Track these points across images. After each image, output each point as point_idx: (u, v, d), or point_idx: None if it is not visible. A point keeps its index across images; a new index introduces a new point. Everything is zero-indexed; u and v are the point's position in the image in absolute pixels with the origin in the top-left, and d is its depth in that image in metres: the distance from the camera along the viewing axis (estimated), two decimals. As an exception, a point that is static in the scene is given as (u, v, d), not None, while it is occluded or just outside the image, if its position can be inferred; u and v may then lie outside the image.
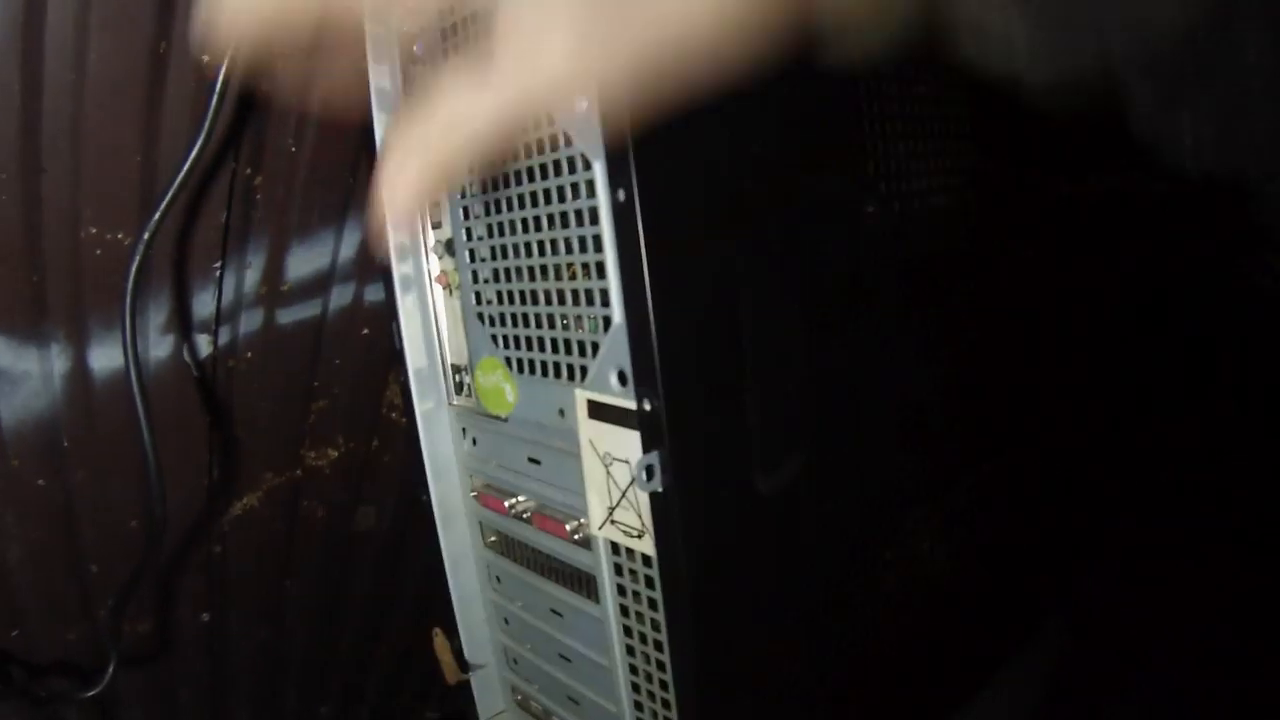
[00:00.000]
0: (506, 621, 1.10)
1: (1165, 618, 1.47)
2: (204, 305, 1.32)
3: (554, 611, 1.00)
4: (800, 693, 0.91)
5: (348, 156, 1.29)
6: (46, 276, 1.19)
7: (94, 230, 1.18)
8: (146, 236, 1.00)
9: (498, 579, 1.08)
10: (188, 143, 1.03)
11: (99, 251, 1.19)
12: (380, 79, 1.00)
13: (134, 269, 1.00)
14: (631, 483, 0.76)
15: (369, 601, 1.86)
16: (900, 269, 0.95)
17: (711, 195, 0.75)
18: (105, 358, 1.29)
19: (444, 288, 1.03)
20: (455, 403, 1.05)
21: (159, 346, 1.31)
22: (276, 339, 1.39)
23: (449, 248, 0.98)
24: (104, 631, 1.35)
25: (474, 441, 1.04)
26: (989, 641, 1.23)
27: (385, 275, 1.04)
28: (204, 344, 1.34)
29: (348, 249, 1.37)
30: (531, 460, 0.95)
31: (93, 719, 1.67)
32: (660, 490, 0.73)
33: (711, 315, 0.76)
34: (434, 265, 1.03)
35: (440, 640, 1.10)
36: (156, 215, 1.01)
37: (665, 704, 0.84)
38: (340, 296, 1.40)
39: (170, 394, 1.34)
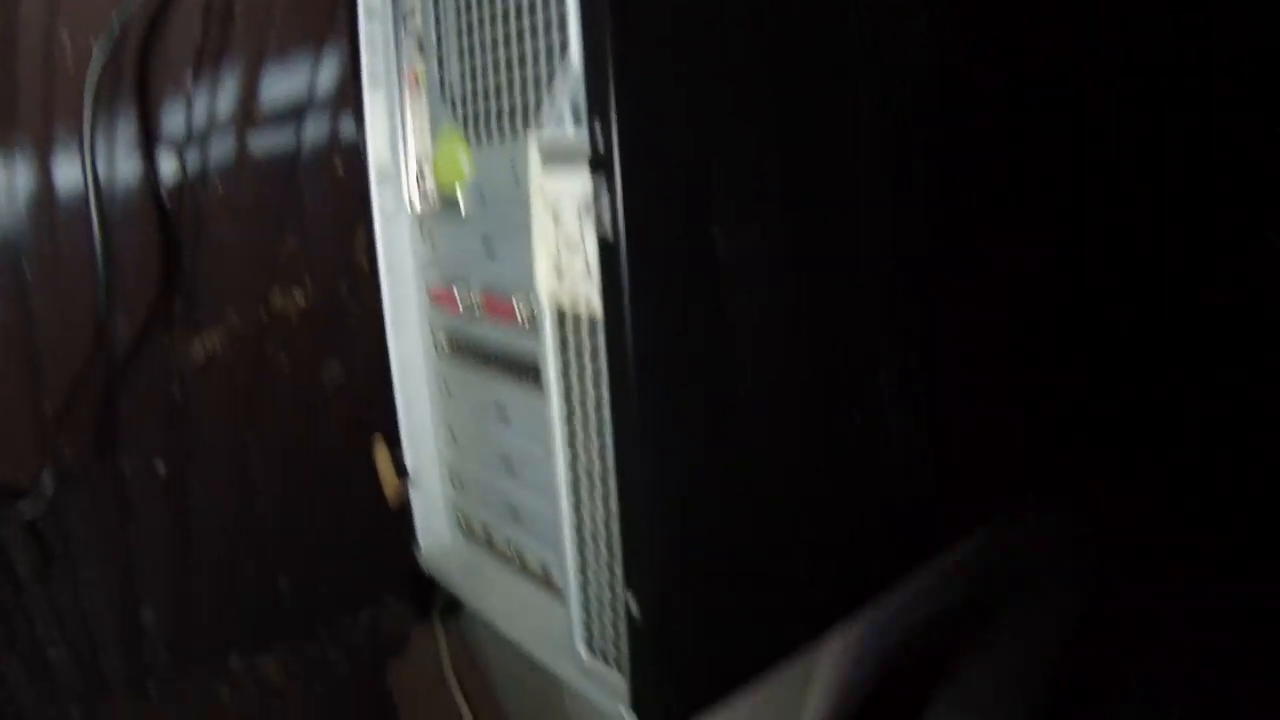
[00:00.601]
0: (453, 435, 1.07)
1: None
2: (175, 124, 1.29)
3: (500, 413, 0.98)
4: (749, 492, 0.87)
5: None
6: (17, 82, 1.16)
7: (68, 36, 1.15)
8: (114, 32, 0.96)
9: (446, 386, 1.06)
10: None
11: (72, 60, 1.16)
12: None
13: (98, 71, 0.97)
14: (580, 236, 0.72)
15: (334, 468, 1.82)
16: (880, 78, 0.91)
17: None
18: (72, 172, 1.24)
19: (412, 89, 0.99)
20: (416, 208, 1.02)
21: (127, 166, 1.28)
22: (248, 167, 1.36)
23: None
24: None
25: (432, 245, 1.02)
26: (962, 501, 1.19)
27: (354, 66, 1.00)
28: (173, 166, 1.29)
29: (326, 79, 1.34)
30: (485, 248, 0.93)
31: (52, 564, 1.64)
32: (609, 235, 0.69)
33: (675, 53, 0.72)
34: (405, 64, 0.99)
35: (381, 449, 1.07)
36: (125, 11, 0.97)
37: (604, 498, 0.81)
38: (315, 129, 1.37)
39: (136, 217, 1.32)
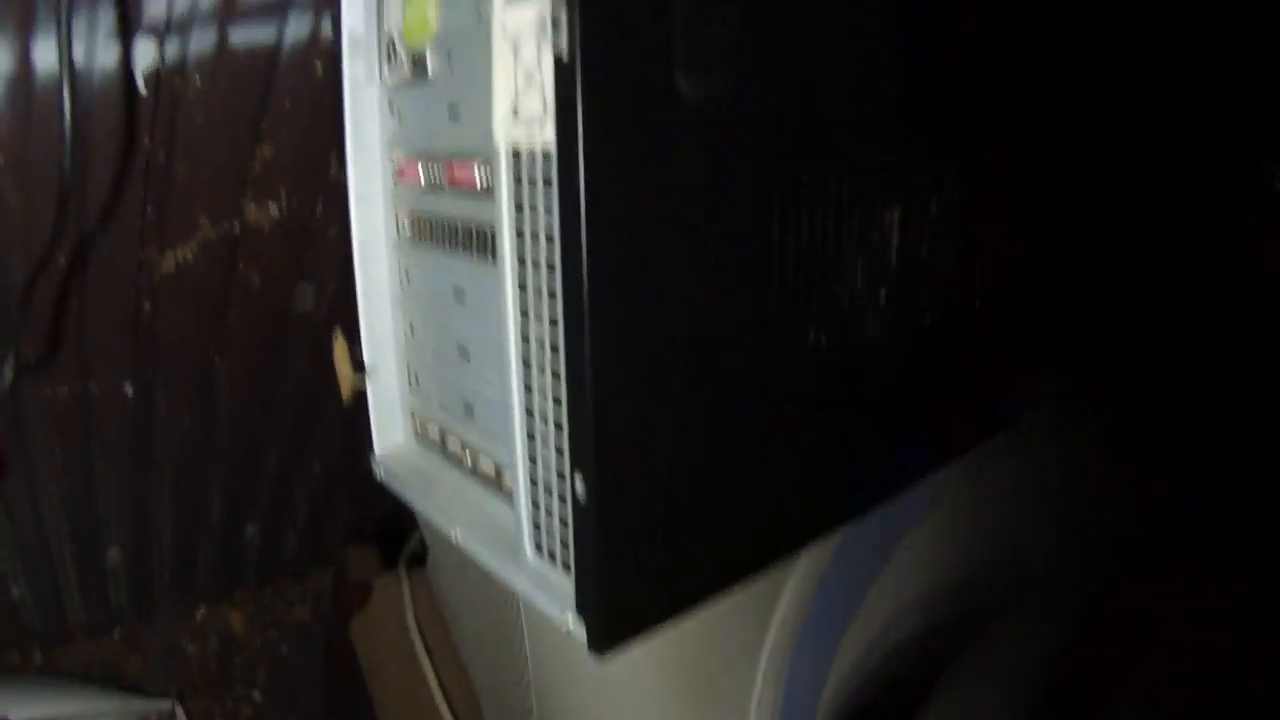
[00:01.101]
0: (412, 329, 1.04)
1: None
2: (157, 7, 1.25)
3: (457, 296, 0.94)
4: (707, 372, 0.81)
5: None
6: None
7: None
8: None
9: (407, 275, 1.02)
10: None
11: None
12: None
13: None
14: (540, 57, 0.67)
15: (302, 402, 1.80)
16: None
17: None
18: (51, 56, 1.20)
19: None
20: (386, 78, 0.98)
21: (105, 52, 1.25)
22: (227, 62, 1.33)
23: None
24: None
25: (399, 116, 0.99)
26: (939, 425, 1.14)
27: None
28: (152, 53, 1.26)
29: (312, -33, 1.30)
30: (452, 114, 0.90)
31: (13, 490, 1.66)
32: (564, 53, 0.64)
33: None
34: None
35: (340, 345, 1.03)
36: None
37: (555, 374, 0.76)
38: (297, 26, 1.33)
39: (112, 109, 1.29)
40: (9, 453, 1.64)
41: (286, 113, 1.39)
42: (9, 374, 1.20)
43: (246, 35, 1.32)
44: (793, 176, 0.83)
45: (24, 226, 1.33)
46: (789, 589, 1.09)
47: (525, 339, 0.81)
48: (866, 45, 0.89)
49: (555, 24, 0.66)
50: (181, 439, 1.79)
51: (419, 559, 1.84)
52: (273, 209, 1.50)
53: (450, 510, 1.00)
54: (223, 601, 2.31)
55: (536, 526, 0.86)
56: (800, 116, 0.83)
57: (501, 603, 1.21)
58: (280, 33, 1.32)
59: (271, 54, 1.33)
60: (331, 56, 1.19)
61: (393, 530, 2.07)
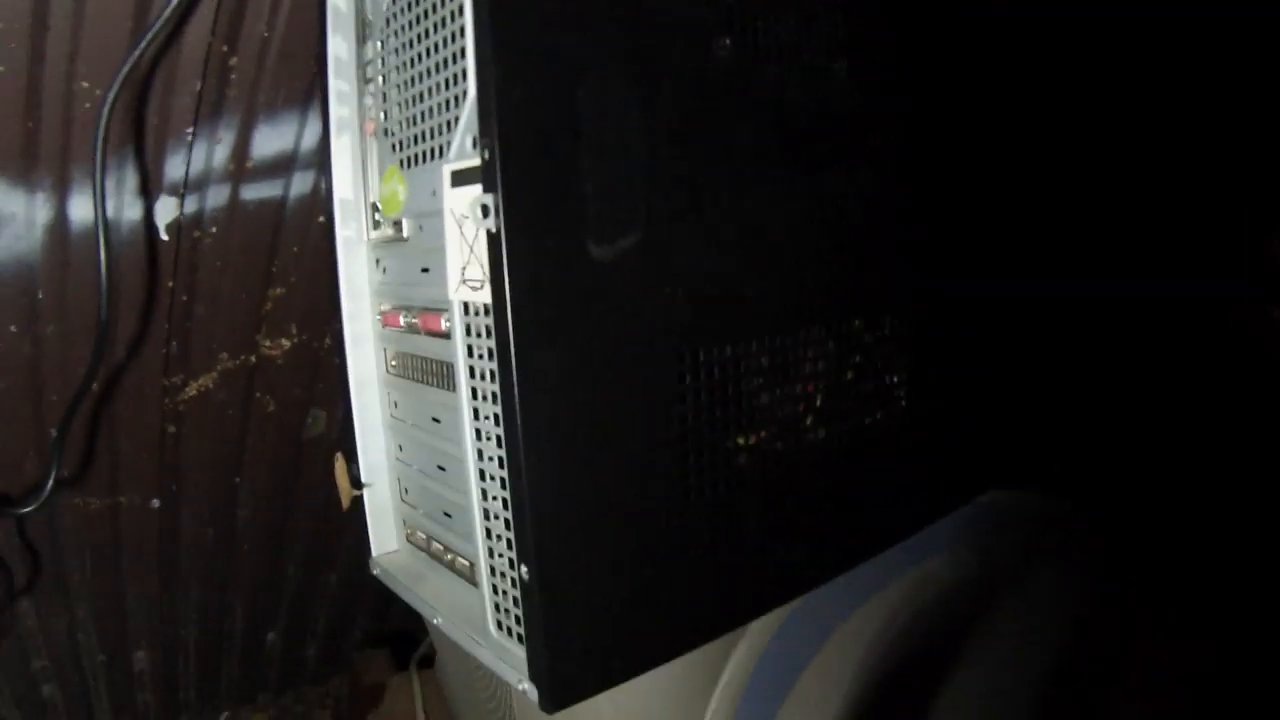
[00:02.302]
0: (400, 449, 1.23)
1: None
2: (177, 171, 1.48)
3: (433, 419, 1.14)
4: (636, 488, 1.02)
5: (313, 48, 1.42)
6: (41, 124, 1.35)
7: (85, 85, 1.34)
8: (123, 73, 1.15)
9: (395, 404, 1.22)
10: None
11: (89, 105, 1.35)
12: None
13: (106, 112, 1.16)
14: (478, 232, 0.91)
15: (318, 518, 2.00)
16: (756, 115, 1.09)
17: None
18: (84, 210, 1.45)
19: (371, 134, 1.19)
20: (372, 237, 1.20)
21: (132, 208, 1.48)
22: (241, 215, 1.56)
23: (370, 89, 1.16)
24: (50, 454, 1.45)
25: (384, 270, 1.19)
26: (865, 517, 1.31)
27: (324, 117, 1.20)
28: (173, 209, 1.50)
29: (310, 137, 1.54)
30: (423, 270, 1.10)
31: (47, 595, 1.81)
32: (493, 229, 0.88)
33: (550, 94, 0.91)
34: (364, 113, 1.19)
35: (340, 464, 1.24)
36: (128, 62, 1.17)
37: (500, 465, 0.98)
38: (301, 183, 1.57)
39: (138, 256, 1.51)
40: (44, 559, 1.85)
41: (295, 257, 1.63)
42: (46, 493, 1.41)
43: (256, 192, 1.55)
44: (699, 318, 1.05)
45: (61, 356, 1.55)
46: (734, 661, 1.27)
47: (480, 455, 1.03)
48: (760, 214, 1.12)
49: (484, 210, 0.89)
50: (205, 551, 2.00)
51: (429, 661, 2.04)
52: (285, 342, 1.73)
53: (434, 601, 1.19)
54: (245, 705, 2.46)
55: (497, 608, 1.06)
56: (700, 270, 1.05)
57: (495, 690, 1.41)
58: (286, 189, 1.56)
59: (279, 207, 1.57)
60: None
61: (405, 635, 2.28)
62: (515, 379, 0.90)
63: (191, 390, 1.68)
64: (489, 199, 0.88)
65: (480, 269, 0.91)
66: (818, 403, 1.19)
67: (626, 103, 0.96)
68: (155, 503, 1.81)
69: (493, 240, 0.89)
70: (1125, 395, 1.68)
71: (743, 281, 1.08)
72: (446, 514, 1.17)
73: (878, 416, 1.28)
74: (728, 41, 1.03)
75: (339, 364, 1.25)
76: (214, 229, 1.53)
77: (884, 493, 1.31)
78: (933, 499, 1.40)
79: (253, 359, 1.69)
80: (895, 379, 1.27)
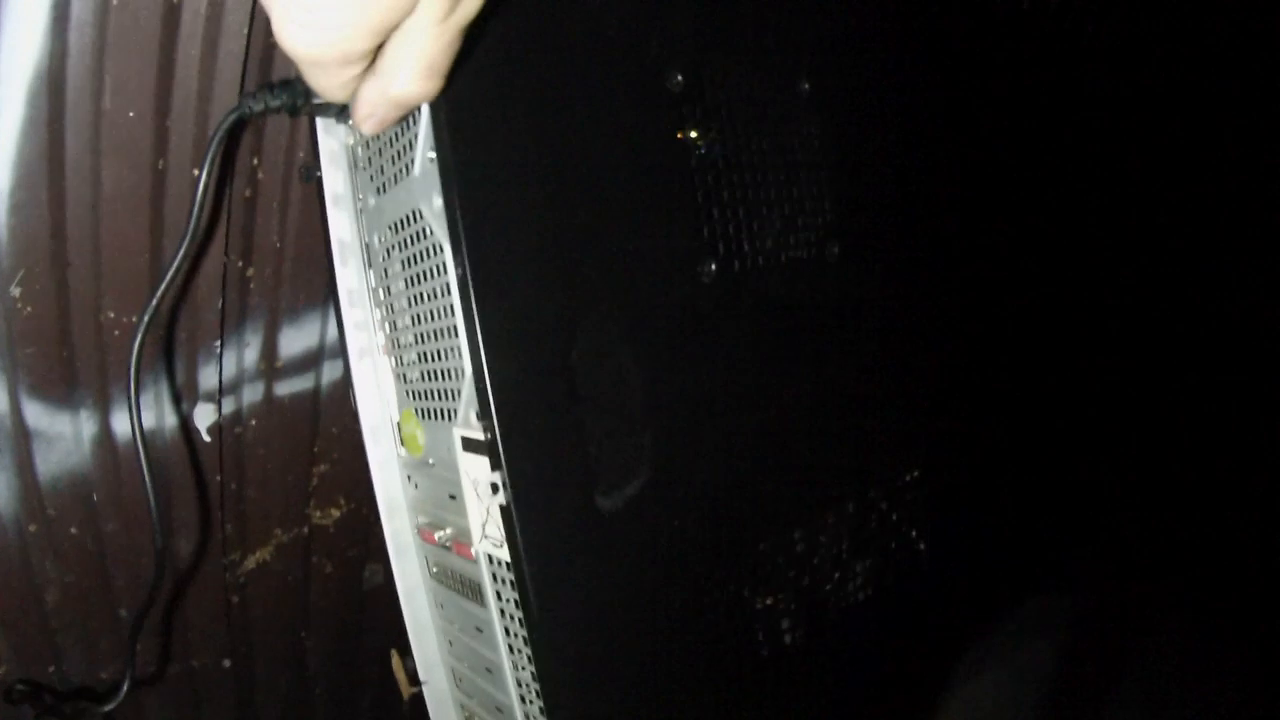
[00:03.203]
0: (450, 644, 1.31)
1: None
2: (210, 380, 1.58)
3: (476, 629, 1.21)
4: (667, 700, 1.11)
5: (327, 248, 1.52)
6: (75, 353, 1.45)
7: (112, 314, 1.44)
8: (148, 314, 1.24)
9: (441, 605, 1.30)
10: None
11: (118, 332, 1.45)
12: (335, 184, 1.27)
13: (137, 343, 1.23)
14: (490, 501, 0.99)
15: (385, 662, 2.08)
16: (750, 322, 1.15)
17: (541, 267, 0.99)
18: (126, 424, 1.54)
19: (388, 356, 1.27)
20: (401, 453, 1.28)
21: (171, 415, 1.57)
22: (277, 409, 1.65)
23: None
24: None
25: (415, 485, 1.27)
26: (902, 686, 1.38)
27: (341, 341, 1.28)
28: (211, 413, 1.59)
29: (334, 331, 1.63)
30: (450, 496, 1.17)
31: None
32: (504, 504, 0.96)
33: (543, 365, 0.98)
34: (380, 337, 1.27)
35: (396, 660, 1.33)
36: (155, 298, 1.25)
37: (538, 694, 1.06)
38: (332, 371, 1.66)
39: (184, 457, 1.60)
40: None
41: (334, 437, 1.72)
42: (123, 693, 1.50)
43: (289, 386, 1.65)
44: (712, 542, 1.13)
45: (122, 546, 1.65)
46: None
47: (516, 674, 1.12)
48: (763, 420, 1.19)
49: (494, 488, 0.97)
50: (278, 701, 2.10)
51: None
52: (335, 512, 1.83)
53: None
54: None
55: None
56: (708, 495, 1.13)
57: None
58: (318, 378, 1.66)
59: (314, 395, 1.66)
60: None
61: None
62: (539, 624, 1.00)
63: (250, 563, 1.77)
64: (496, 477, 0.95)
65: (498, 529, 0.98)
66: (836, 569, 1.26)
67: (619, 354, 1.03)
68: (227, 663, 1.89)
69: (505, 511, 0.97)
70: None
71: (752, 492, 1.16)
72: (498, 709, 1.24)
73: (899, 566, 1.33)
74: (712, 267, 1.09)
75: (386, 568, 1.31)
76: (253, 423, 1.62)
77: (913, 639, 1.37)
78: (964, 629, 1.43)
79: (305, 530, 1.78)
80: (914, 531, 1.31)
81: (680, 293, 1.10)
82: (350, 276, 1.28)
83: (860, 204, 1.29)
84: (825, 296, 1.25)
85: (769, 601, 1.17)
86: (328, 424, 1.69)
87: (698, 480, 1.11)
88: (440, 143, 0.96)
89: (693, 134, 1.11)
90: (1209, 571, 1.60)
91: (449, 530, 1.20)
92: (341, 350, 1.30)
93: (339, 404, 1.67)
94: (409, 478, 1.30)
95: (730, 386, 1.14)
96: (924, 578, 1.37)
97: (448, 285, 1.01)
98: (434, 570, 1.29)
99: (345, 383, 1.66)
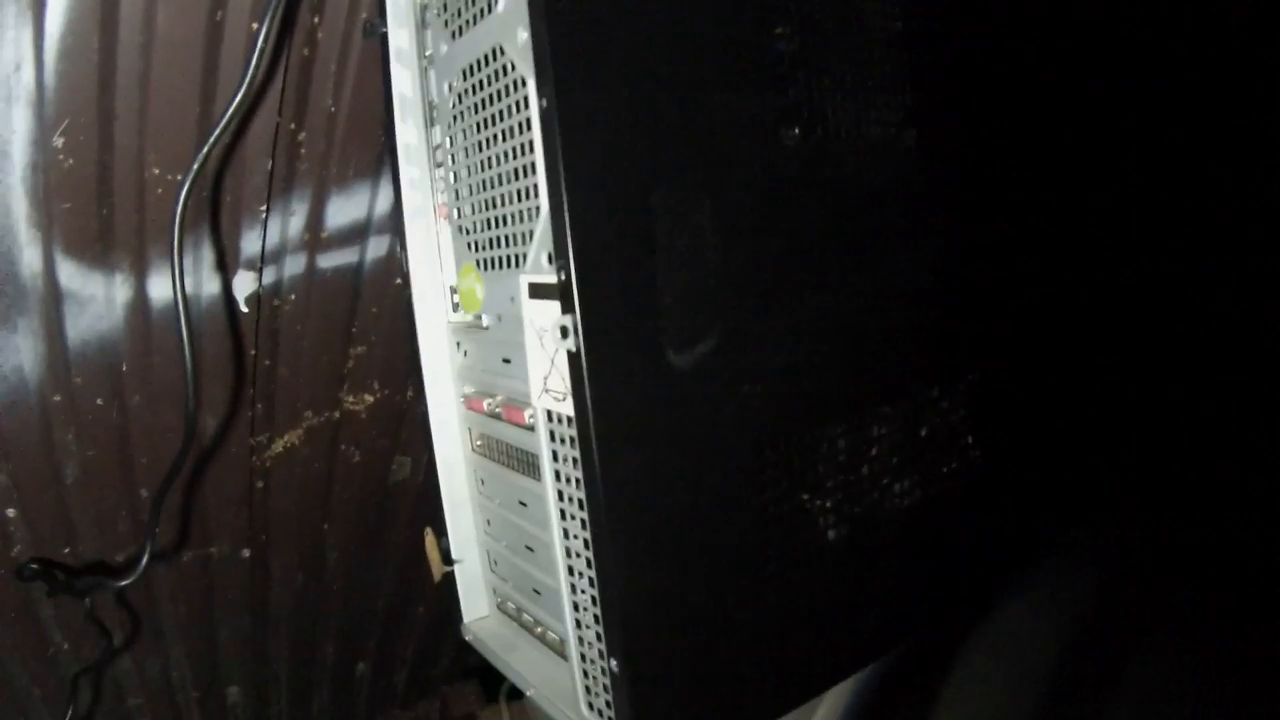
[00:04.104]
0: (489, 523, 1.28)
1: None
2: (253, 247, 1.54)
3: (520, 503, 1.18)
4: (723, 580, 1.06)
5: (380, 118, 1.47)
6: (114, 211, 1.41)
7: (156, 171, 1.39)
8: (194, 170, 1.20)
9: (481, 481, 1.27)
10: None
11: (160, 190, 1.41)
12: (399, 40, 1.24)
13: (181, 201, 1.21)
14: (558, 349, 0.95)
15: (406, 558, 2.06)
16: (826, 196, 1.12)
17: (625, 108, 0.95)
18: (162, 289, 1.51)
19: (444, 219, 1.23)
20: (451, 320, 1.25)
21: (210, 283, 1.54)
22: (318, 283, 1.62)
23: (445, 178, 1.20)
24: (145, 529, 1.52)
25: (465, 353, 1.24)
26: (929, 595, 1.35)
27: (396, 206, 1.25)
28: (251, 283, 1.56)
29: (382, 203, 1.59)
30: (504, 360, 1.15)
31: (142, 639, 1.89)
32: (573, 350, 0.92)
33: (623, 207, 0.94)
34: (437, 199, 1.24)
35: (430, 539, 1.29)
36: (202, 153, 1.22)
37: (589, 564, 1.02)
38: (376, 248, 1.62)
39: (220, 328, 1.57)
40: (139, 610, 1.93)
41: (374, 317, 1.69)
42: (142, 568, 1.48)
43: (332, 260, 1.61)
44: (777, 412, 1.09)
45: (147, 423, 1.62)
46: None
47: (566, 544, 1.07)
48: (833, 300, 1.15)
49: (564, 331, 0.93)
50: (295, 594, 2.07)
51: (518, 692, 2.10)
52: (367, 398, 1.79)
53: (526, 673, 1.25)
54: (337, 733, 2.55)
55: (588, 690, 1.11)
56: (776, 364, 1.09)
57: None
58: (362, 254, 1.62)
59: (355, 272, 1.63)
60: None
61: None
62: (600, 484, 0.95)
63: (278, 447, 1.74)
64: (567, 320, 0.91)
65: (562, 381, 0.95)
66: (893, 463, 1.21)
67: (699, 208, 0.99)
68: (246, 552, 1.88)
69: (573, 359, 0.93)
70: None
71: (819, 370, 1.12)
72: (536, 591, 1.21)
73: (953, 468, 1.30)
74: (795, 131, 1.05)
75: (426, 439, 1.28)
76: (292, 296, 1.58)
77: (959, 550, 1.34)
78: (1010, 548, 1.40)
79: (336, 415, 1.75)
80: (969, 436, 1.27)
81: (763, 152, 1.06)
82: (409, 133, 1.25)
83: (937, 98, 1.26)
84: (899, 184, 1.22)
85: (822, 494, 1.13)
86: (368, 303, 1.65)
87: (765, 350, 1.07)
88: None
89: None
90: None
91: (499, 396, 1.17)
92: (395, 208, 1.27)
93: (381, 282, 1.64)
94: (458, 344, 1.27)
95: (802, 260, 1.10)
96: (976, 487, 1.33)
97: (527, 121, 0.97)
98: (478, 444, 1.26)
99: (394, 254, 1.61)
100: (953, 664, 1.43)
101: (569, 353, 0.93)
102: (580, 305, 0.91)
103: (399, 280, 1.59)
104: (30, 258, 1.38)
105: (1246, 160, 1.60)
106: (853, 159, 1.15)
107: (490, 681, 2.14)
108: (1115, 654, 1.44)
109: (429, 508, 1.33)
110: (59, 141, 1.30)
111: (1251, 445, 1.62)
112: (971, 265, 1.29)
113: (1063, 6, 1.47)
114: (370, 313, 1.66)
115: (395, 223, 1.48)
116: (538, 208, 0.97)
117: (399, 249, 1.33)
